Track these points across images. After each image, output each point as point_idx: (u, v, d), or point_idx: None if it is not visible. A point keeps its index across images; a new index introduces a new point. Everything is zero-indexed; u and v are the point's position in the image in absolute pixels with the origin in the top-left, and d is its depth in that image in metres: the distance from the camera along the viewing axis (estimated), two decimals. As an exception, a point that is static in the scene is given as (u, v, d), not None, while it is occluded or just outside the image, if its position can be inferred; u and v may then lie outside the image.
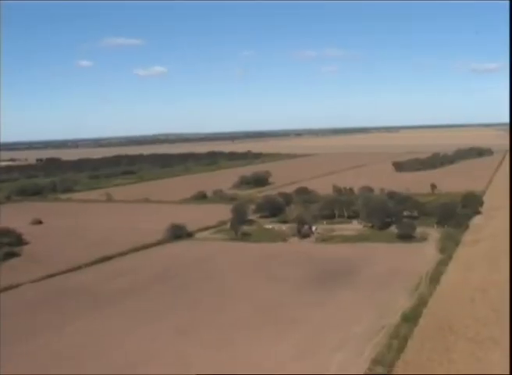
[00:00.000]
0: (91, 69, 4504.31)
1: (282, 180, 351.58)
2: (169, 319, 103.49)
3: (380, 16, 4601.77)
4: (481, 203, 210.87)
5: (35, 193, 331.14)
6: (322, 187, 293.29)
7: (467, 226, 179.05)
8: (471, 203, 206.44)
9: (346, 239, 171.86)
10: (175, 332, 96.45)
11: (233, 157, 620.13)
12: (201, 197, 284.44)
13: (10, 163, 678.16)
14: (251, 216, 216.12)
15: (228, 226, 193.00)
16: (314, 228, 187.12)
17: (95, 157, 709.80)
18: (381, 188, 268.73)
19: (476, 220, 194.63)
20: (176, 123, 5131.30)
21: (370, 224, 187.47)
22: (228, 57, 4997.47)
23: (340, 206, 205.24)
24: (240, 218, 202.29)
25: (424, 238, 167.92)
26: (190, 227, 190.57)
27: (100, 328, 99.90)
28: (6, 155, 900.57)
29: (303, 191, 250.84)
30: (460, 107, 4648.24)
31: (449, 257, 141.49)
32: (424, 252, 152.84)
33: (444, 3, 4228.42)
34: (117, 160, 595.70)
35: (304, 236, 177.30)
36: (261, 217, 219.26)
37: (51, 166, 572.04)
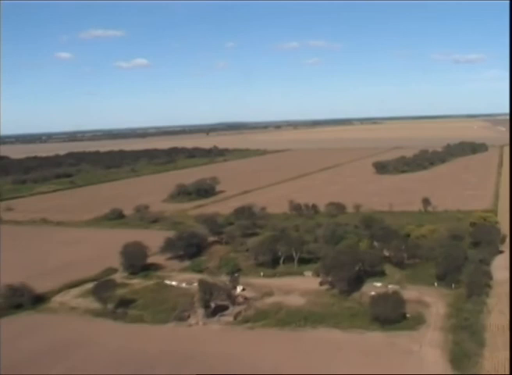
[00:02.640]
0: (71, 61, 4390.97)
1: (234, 188, 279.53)
2: None
3: (362, 8, 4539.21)
4: (500, 235, 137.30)
5: None
6: (278, 200, 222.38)
7: (487, 287, 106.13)
8: (485, 236, 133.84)
9: (285, 320, 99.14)
10: None
11: (195, 154, 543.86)
12: (117, 216, 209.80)
13: None
14: (159, 256, 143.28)
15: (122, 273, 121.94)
16: (239, 289, 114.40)
17: (44, 155, 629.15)
18: (355, 205, 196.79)
19: (498, 270, 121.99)
20: (157, 116, 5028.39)
21: (332, 280, 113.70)
22: (211, 49, 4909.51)
23: (289, 245, 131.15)
24: (134, 262, 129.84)
25: (419, 319, 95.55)
26: (56, 280, 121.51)
27: None
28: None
29: (244, 213, 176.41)
30: (443, 98, 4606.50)
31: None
32: (422, 362, 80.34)
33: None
34: (59, 160, 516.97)
35: (218, 310, 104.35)
36: (172, 258, 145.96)
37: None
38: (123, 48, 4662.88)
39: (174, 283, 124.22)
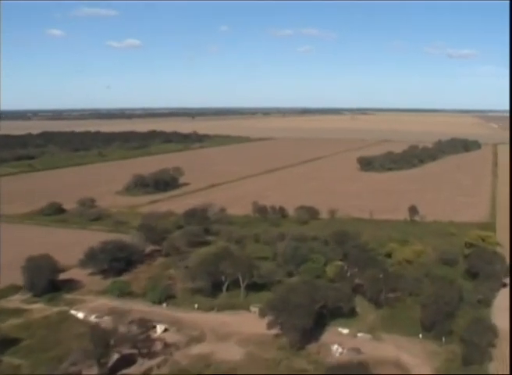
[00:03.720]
0: (63, 38, 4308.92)
1: (201, 181, 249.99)
2: None
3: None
4: (504, 265, 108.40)
5: None
6: (246, 199, 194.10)
7: (490, 347, 77.78)
8: (485, 266, 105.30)
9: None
10: None
11: (173, 139, 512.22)
12: (54, 211, 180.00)
13: None
14: (80, 270, 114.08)
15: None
16: (159, 329, 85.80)
17: (17, 133, 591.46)
18: (331, 209, 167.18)
19: (501, 313, 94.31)
20: (147, 98, 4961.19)
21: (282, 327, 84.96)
22: (204, 32, 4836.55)
23: (235, 267, 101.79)
24: (38, 281, 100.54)
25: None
26: None
27: None
28: None
29: (195, 216, 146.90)
30: (435, 92, 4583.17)
31: None
32: None
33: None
34: (27, 140, 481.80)
35: (123, 363, 77.03)
36: (95, 273, 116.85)
37: None
38: (116, 27, 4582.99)
39: (81, 314, 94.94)
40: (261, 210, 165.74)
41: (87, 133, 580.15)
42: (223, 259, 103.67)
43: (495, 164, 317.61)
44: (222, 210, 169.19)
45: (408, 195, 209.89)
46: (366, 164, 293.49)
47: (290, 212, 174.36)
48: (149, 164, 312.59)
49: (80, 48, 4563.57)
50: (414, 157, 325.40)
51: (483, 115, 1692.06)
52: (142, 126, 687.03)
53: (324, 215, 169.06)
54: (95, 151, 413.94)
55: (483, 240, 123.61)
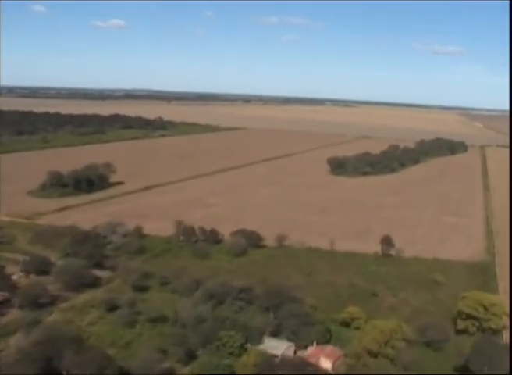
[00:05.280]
0: (45, 14, 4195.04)
1: (138, 180, 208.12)
2: None
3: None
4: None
5: None
6: (178, 209, 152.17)
7: None
8: (488, 357, 63.67)
9: None
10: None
11: (133, 125, 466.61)
12: None
13: None
14: None
15: None
16: None
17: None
18: (279, 236, 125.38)
19: None
20: (128, 79, 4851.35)
21: None
22: (190, 15, 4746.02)
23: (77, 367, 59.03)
24: None
25: None
26: None
27: None
28: None
29: (86, 243, 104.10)
30: (419, 87, 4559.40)
31: None
32: None
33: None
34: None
35: None
36: None
37: None
38: (101, 6, 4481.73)
39: None
40: (187, 233, 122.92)
41: (41, 115, 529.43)
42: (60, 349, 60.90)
43: (485, 173, 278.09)
44: (138, 228, 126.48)
45: (383, 212, 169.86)
46: (338, 166, 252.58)
47: (229, 231, 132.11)
48: (91, 154, 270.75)
49: (63, 26, 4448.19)
50: (394, 159, 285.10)
51: (466, 112, 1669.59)
52: (111, 109, 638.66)
53: (270, 241, 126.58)
54: (40, 136, 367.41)
55: (485, 308, 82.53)
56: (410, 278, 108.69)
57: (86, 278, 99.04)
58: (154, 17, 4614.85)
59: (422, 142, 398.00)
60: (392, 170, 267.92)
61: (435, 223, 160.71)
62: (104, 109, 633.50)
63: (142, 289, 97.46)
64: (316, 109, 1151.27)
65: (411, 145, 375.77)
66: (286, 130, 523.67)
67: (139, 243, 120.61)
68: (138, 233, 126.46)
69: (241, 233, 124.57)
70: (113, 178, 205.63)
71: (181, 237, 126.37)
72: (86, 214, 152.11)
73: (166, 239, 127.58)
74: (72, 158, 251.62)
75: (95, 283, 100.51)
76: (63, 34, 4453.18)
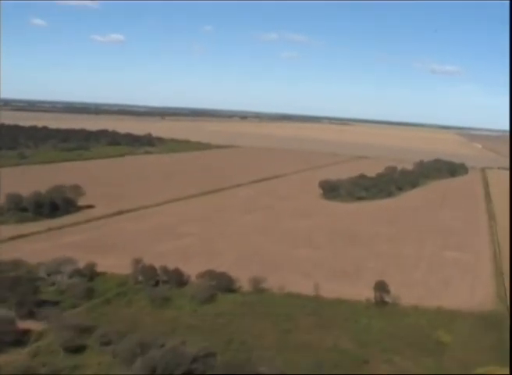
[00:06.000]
0: (45, 28, 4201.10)
1: (111, 203, 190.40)
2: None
3: (346, 7, 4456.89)
4: None
5: None
6: (145, 239, 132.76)
7: None
8: None
9: None
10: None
11: (121, 141, 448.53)
12: None
13: None
14: None
15: None
16: None
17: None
18: (253, 278, 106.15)
19: None
20: (125, 94, 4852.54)
21: None
22: (188, 30, 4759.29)
23: None
24: None
25: None
26: None
27: None
28: None
29: (18, 285, 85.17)
30: (416, 106, 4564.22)
31: None
32: None
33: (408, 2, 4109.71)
34: None
35: None
36: None
37: None
38: (100, 21, 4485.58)
39: None
40: (146, 273, 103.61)
41: (25, 129, 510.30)
42: None
43: (488, 198, 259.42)
44: (89, 267, 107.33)
45: (377, 246, 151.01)
46: (330, 190, 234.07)
47: (199, 268, 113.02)
48: (67, 172, 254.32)
49: (62, 40, 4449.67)
50: (391, 183, 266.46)
51: (464, 132, 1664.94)
52: (104, 124, 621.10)
53: (245, 283, 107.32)
54: (19, 151, 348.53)
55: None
56: (409, 337, 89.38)
57: (8, 334, 79.53)
58: (153, 32, 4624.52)
59: (421, 163, 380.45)
60: (389, 194, 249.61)
61: (436, 261, 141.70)
62: (97, 124, 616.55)
63: (77, 350, 78.17)
64: (312, 127, 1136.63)
65: (409, 166, 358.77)
66: (279, 148, 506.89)
67: (88, 285, 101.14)
68: (90, 272, 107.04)
69: (209, 274, 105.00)
70: (84, 201, 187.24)
71: (140, 278, 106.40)
72: (40, 244, 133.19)
73: (123, 279, 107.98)
74: (45, 176, 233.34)
75: (22, 340, 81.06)
76: (62, 48, 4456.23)
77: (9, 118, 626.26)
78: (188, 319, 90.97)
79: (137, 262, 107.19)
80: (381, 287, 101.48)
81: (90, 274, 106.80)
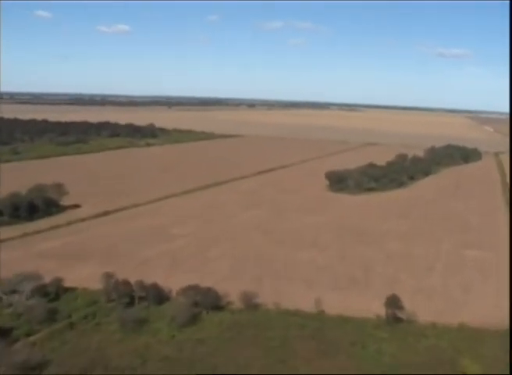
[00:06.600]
0: (49, 19, 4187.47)
1: (100, 202, 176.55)
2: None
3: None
4: None
5: None
6: (131, 244, 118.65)
7: None
8: None
9: None
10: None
11: (121, 132, 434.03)
12: None
13: None
14: None
15: None
16: None
17: None
18: (245, 294, 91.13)
19: None
20: (134, 84, 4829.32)
21: None
22: (194, 20, 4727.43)
23: None
24: None
25: None
26: None
27: None
28: None
29: None
30: (425, 90, 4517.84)
31: None
32: None
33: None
34: None
35: None
36: None
37: None
38: (106, 12, 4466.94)
39: None
40: (119, 289, 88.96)
41: (24, 122, 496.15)
42: None
43: (505, 186, 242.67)
44: (55, 283, 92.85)
45: (388, 245, 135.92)
46: (337, 181, 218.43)
47: (187, 278, 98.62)
48: (59, 168, 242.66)
49: (67, 31, 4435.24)
50: (402, 171, 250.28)
51: (474, 116, 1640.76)
52: (108, 116, 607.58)
53: (236, 298, 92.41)
54: (13, 146, 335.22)
55: None
56: (428, 366, 74.15)
57: None
58: (158, 22, 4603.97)
59: (432, 149, 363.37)
60: (400, 185, 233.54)
61: (454, 261, 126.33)
62: (101, 116, 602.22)
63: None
64: (321, 114, 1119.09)
65: (420, 153, 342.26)
66: (286, 136, 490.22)
67: (50, 306, 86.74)
68: (56, 288, 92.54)
69: (194, 290, 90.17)
70: (70, 200, 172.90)
71: (113, 295, 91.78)
72: (9, 253, 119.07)
73: (94, 297, 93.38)
74: (33, 174, 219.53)
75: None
76: (67, 40, 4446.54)
77: (11, 111, 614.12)
78: (163, 348, 76.39)
79: (109, 276, 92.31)
80: (393, 302, 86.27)
81: (56, 291, 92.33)
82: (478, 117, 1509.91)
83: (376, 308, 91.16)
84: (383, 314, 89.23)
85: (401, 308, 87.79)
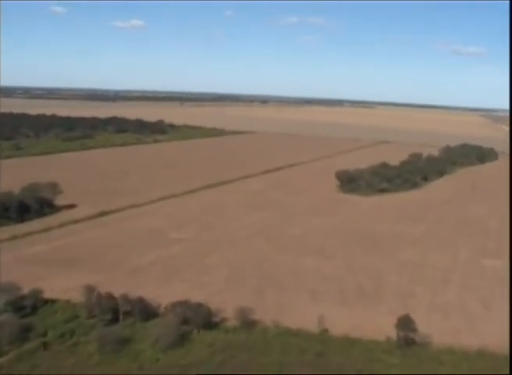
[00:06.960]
0: (64, 15, 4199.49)
1: (96, 201, 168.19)
2: None
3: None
4: None
5: None
6: (117, 253, 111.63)
7: None
8: None
9: None
10: None
11: (129, 128, 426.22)
12: None
13: None
14: None
15: None
16: None
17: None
18: (241, 310, 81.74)
19: None
20: (148, 80, 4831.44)
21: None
22: (209, 16, 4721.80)
23: None
24: None
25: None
26: None
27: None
28: None
29: None
30: (439, 88, 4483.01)
31: None
32: None
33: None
34: None
35: None
36: None
37: None
38: (120, 7, 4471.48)
39: None
40: (102, 304, 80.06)
41: (32, 117, 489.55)
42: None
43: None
44: (33, 295, 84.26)
45: (401, 253, 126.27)
46: (348, 181, 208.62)
47: (181, 288, 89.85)
48: (61, 165, 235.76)
49: (82, 27, 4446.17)
50: (416, 172, 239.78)
51: (488, 114, 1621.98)
52: (119, 111, 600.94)
53: (231, 314, 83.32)
54: (16, 141, 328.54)
55: None
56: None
57: None
58: (173, 17, 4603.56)
59: (447, 149, 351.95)
60: (414, 185, 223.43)
61: (472, 272, 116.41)
62: (111, 111, 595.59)
63: None
64: (334, 111, 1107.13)
65: (435, 152, 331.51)
66: (297, 133, 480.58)
67: (24, 322, 78.07)
68: (34, 301, 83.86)
69: (184, 305, 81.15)
70: (67, 199, 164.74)
71: (96, 310, 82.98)
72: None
73: (75, 311, 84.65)
74: (33, 170, 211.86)
75: None
76: (82, 35, 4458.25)
77: (22, 106, 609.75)
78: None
79: (91, 289, 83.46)
80: (405, 324, 76.56)
81: (34, 304, 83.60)
82: (491, 115, 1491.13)
83: (386, 327, 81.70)
84: (394, 334, 79.60)
85: (414, 330, 78.03)
